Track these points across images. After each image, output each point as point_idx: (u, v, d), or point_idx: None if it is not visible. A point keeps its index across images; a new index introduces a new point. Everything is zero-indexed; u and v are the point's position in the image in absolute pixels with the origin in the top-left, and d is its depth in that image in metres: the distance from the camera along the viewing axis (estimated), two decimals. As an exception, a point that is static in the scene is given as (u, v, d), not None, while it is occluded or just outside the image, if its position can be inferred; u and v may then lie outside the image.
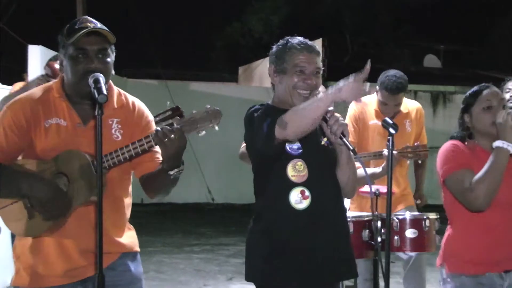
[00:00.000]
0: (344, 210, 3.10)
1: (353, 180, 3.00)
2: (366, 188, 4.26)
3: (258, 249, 2.93)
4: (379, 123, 4.51)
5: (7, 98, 4.89)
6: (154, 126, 2.82)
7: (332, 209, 2.95)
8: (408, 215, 4.09)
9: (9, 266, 5.25)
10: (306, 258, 2.87)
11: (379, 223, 3.87)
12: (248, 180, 3.18)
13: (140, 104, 2.89)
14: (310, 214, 2.87)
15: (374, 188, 4.08)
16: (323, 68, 2.97)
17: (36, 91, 2.80)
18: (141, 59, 16.29)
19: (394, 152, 3.77)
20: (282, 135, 2.73)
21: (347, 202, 4.45)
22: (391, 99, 4.60)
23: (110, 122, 2.78)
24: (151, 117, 2.87)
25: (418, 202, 4.93)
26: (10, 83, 6.00)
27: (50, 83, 2.84)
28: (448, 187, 3.16)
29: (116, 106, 2.81)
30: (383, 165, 4.22)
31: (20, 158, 2.73)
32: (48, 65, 5.02)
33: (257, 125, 2.82)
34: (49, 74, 4.95)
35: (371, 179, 4.23)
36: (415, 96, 13.90)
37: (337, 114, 2.79)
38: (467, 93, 3.25)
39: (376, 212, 3.97)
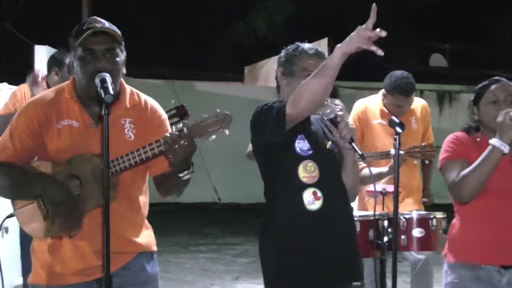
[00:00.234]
0: (352, 211, 3.13)
1: (357, 184, 3.06)
2: (372, 188, 4.26)
3: (273, 250, 2.94)
4: (385, 122, 4.51)
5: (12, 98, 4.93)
6: (168, 125, 2.85)
7: (341, 209, 2.99)
8: (415, 214, 4.10)
9: (17, 267, 5.28)
10: (322, 258, 2.89)
11: (385, 223, 3.88)
12: (255, 179, 3.18)
13: (153, 103, 2.87)
14: (322, 214, 2.89)
15: (380, 187, 4.08)
16: None
17: (49, 93, 2.82)
18: (144, 59, 16.27)
19: (401, 152, 3.77)
20: (295, 111, 2.72)
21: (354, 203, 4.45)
22: (405, 101, 4.64)
23: (123, 122, 2.77)
24: (164, 116, 2.88)
25: (425, 200, 4.93)
26: (14, 82, 6.02)
27: (62, 84, 2.86)
28: (442, 176, 3.21)
29: (128, 106, 2.80)
30: (389, 164, 4.22)
31: (35, 159, 2.75)
32: (33, 74, 5.01)
33: (265, 115, 2.84)
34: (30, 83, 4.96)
35: (378, 178, 4.24)
36: (421, 95, 13.85)
37: (346, 119, 2.82)
38: (478, 86, 3.31)
39: (383, 211, 3.97)
